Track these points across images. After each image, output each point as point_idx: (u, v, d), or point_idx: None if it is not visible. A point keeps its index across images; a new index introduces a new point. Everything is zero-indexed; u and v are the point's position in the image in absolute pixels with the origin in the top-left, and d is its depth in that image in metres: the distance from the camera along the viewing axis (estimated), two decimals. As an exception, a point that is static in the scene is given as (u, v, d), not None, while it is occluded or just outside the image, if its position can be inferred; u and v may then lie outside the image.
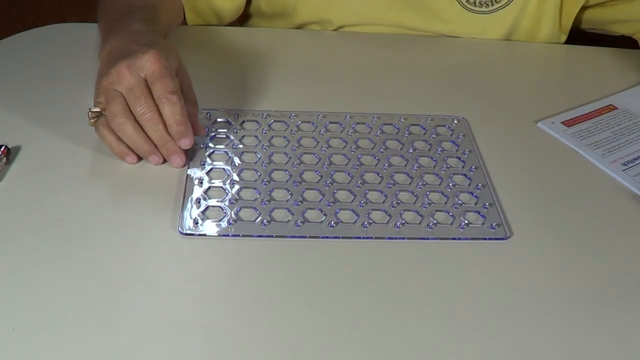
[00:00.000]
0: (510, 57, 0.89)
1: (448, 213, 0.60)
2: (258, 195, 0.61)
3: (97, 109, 0.62)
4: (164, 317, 0.50)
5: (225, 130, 0.69)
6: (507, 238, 0.59)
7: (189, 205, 0.59)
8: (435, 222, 0.59)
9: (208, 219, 0.58)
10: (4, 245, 0.55)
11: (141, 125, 0.61)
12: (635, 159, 0.69)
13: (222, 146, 0.67)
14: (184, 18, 0.86)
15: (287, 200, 0.61)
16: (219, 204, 0.60)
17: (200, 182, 0.62)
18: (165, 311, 0.51)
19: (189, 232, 0.57)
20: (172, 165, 0.63)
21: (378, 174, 0.64)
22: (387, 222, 0.59)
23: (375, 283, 0.54)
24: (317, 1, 0.86)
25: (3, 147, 0.63)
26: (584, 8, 0.87)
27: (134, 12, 0.71)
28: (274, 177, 0.63)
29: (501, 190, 0.64)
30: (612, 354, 0.50)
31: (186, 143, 0.62)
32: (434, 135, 0.70)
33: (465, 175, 0.65)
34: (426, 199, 0.62)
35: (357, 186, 0.63)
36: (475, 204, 0.62)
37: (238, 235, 0.57)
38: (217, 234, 0.57)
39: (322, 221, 0.59)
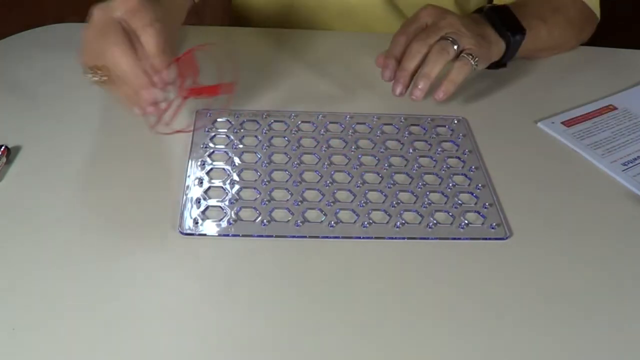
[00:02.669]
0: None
1: (448, 213, 0.60)
2: (258, 195, 0.61)
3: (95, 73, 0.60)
4: (164, 317, 0.50)
5: (225, 130, 0.69)
6: (507, 238, 0.59)
7: (189, 205, 0.59)
8: (435, 222, 0.59)
9: (208, 219, 0.58)
10: (3, 245, 0.55)
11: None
12: (635, 159, 0.69)
13: (222, 146, 0.67)
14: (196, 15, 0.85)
15: (287, 200, 0.61)
16: (219, 204, 0.60)
17: (200, 182, 0.62)
18: (165, 311, 0.51)
19: (189, 232, 0.57)
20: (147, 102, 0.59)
21: (378, 174, 0.64)
22: (387, 222, 0.59)
23: (375, 283, 0.54)
24: None
25: (3, 147, 0.63)
26: None
27: None
28: (274, 177, 0.63)
29: (501, 190, 0.64)
30: (612, 353, 0.50)
31: (160, 80, 0.59)
32: (434, 135, 0.70)
33: (465, 175, 0.65)
34: (426, 199, 0.62)
35: (357, 186, 0.63)
36: (475, 204, 0.62)
37: (238, 235, 0.57)
38: (217, 234, 0.57)
39: (322, 221, 0.59)
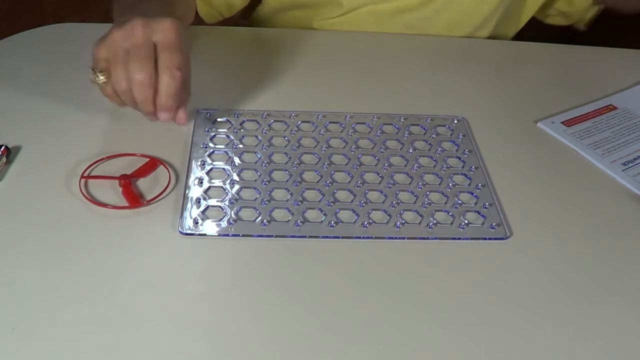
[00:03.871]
0: (511, 57, 0.89)
1: (448, 213, 0.61)
2: (258, 195, 0.61)
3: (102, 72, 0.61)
4: (164, 317, 0.50)
5: (225, 130, 0.69)
6: (507, 238, 0.59)
7: (189, 205, 0.59)
8: (435, 222, 0.59)
9: (208, 219, 0.58)
10: (3, 245, 0.55)
11: (130, 83, 0.59)
12: (635, 159, 0.69)
13: (222, 146, 0.67)
14: (195, 15, 0.86)
15: (287, 200, 0.61)
16: (219, 203, 0.60)
17: (200, 182, 0.62)
18: (165, 311, 0.51)
19: (189, 232, 0.57)
20: (157, 119, 0.62)
21: (378, 174, 0.64)
22: (387, 222, 0.59)
23: (375, 283, 0.54)
24: None
25: (3, 147, 0.63)
26: None
27: (150, 0, 0.70)
28: (274, 177, 0.63)
29: (501, 190, 0.64)
30: (612, 352, 0.51)
31: (165, 117, 0.62)
32: (434, 135, 0.70)
33: (465, 175, 0.65)
34: (426, 199, 0.62)
35: (357, 186, 0.63)
36: (475, 204, 0.62)
37: (238, 235, 0.57)
38: (217, 234, 0.57)
39: (322, 221, 0.59)
